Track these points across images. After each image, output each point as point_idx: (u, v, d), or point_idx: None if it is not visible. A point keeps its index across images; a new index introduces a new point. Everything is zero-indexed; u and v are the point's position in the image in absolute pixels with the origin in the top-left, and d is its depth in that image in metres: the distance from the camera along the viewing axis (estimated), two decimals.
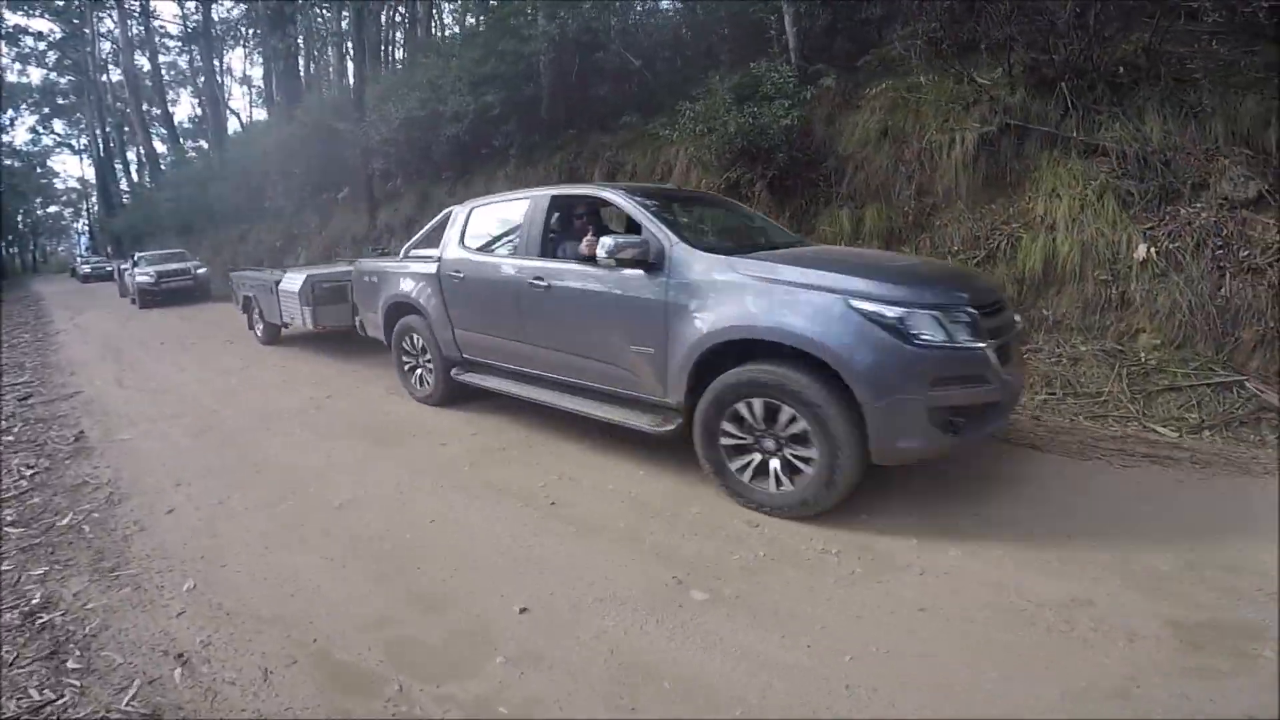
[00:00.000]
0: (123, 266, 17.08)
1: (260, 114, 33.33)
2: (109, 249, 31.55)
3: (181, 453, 4.40)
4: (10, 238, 50.15)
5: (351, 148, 13.53)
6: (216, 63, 29.45)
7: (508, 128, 10.50)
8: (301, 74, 21.27)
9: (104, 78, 38.13)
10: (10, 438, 5.09)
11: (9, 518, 3.52)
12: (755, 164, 6.31)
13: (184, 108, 42.78)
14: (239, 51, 36.12)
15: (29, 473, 4.20)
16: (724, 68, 7.71)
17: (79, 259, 34.98)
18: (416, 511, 3.28)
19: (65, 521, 3.41)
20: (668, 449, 3.71)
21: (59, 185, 53.93)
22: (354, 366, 6.86)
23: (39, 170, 48.43)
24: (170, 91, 37.37)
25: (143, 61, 31.76)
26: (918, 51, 6.12)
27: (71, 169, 75.56)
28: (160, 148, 31.93)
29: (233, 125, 30.35)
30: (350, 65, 18.44)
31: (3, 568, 2.98)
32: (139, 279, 14.06)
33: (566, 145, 10.04)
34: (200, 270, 15.09)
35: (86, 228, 52.90)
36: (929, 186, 5.74)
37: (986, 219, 5.38)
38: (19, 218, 49.86)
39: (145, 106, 30.98)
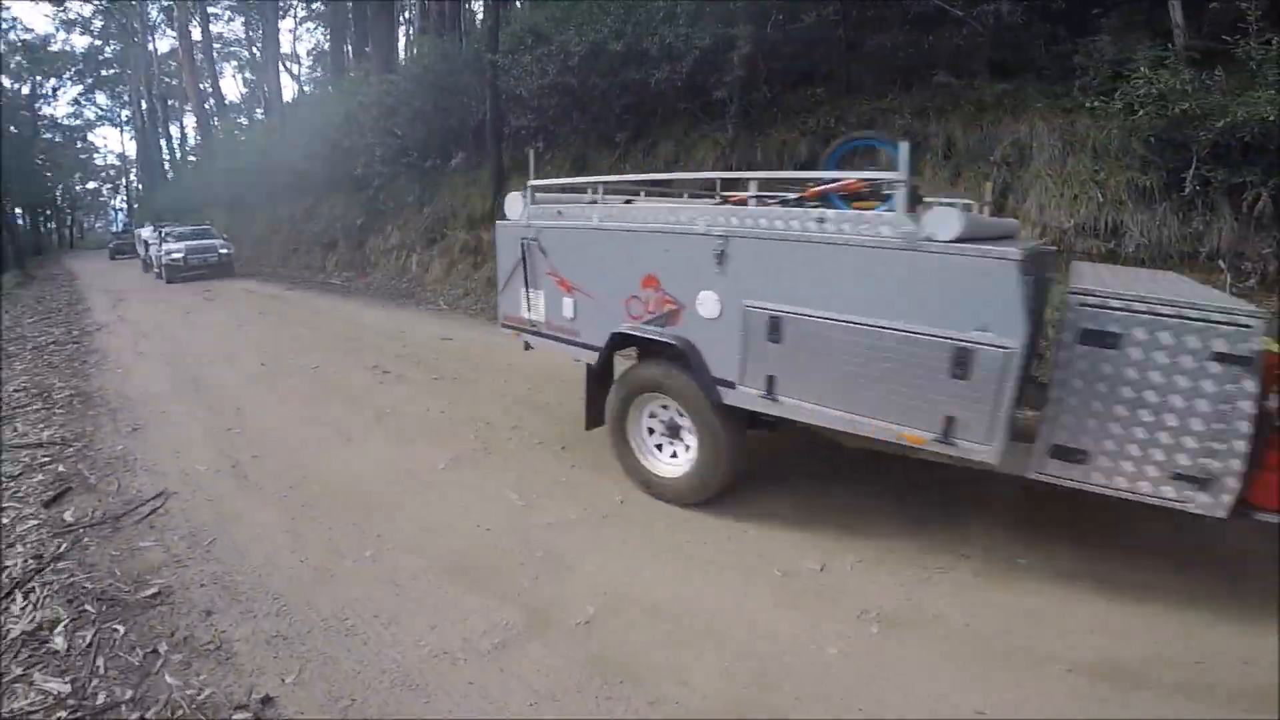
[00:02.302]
0: None
1: (309, 89, 30.60)
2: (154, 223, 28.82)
3: None
4: (48, 213, 48.16)
5: (476, 101, 10.54)
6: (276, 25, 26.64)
7: (729, 78, 7.42)
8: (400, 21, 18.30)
9: (151, 46, 35.72)
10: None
11: None
12: (1238, 167, 4.91)
13: (228, 84, 40.21)
14: (287, 22, 33.43)
15: None
16: (1106, 33, 5.71)
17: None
18: None
19: None
20: None
21: (98, 161, 51.88)
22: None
23: (79, 145, 46.23)
24: (216, 63, 34.80)
25: (193, 29, 29.20)
26: None
27: (112, 144, 74.51)
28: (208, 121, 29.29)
29: (287, 96, 27.66)
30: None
31: None
32: None
33: (815, 107, 7.39)
34: None
35: (124, 204, 51.03)
36: None
37: None
38: (58, 193, 47.81)
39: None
